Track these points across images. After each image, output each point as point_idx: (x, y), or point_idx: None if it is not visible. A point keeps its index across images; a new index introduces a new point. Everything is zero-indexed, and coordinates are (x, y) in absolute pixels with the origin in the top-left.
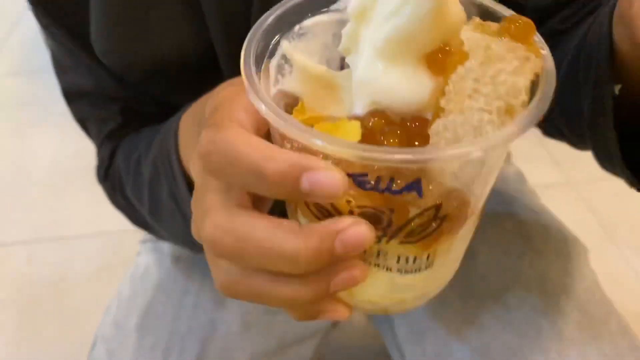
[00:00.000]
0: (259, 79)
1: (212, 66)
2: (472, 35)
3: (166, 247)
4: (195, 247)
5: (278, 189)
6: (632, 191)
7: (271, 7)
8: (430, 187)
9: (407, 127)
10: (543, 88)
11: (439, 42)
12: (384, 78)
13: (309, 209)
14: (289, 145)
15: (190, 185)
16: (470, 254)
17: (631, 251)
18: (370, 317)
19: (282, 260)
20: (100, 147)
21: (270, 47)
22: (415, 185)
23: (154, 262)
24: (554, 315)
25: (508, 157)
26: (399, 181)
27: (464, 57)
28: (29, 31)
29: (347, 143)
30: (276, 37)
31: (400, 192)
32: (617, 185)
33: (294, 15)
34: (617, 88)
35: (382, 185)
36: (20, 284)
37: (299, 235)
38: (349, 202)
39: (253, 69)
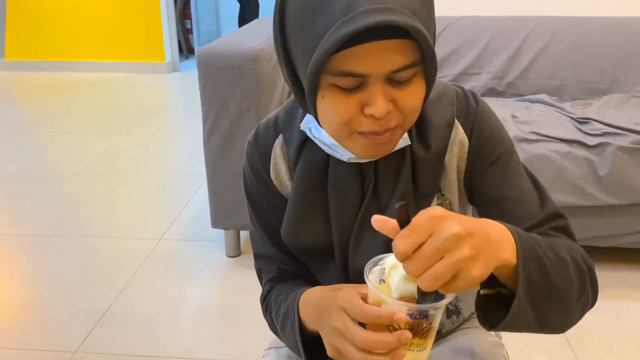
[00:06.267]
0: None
1: (330, 254)
2: None
3: (283, 351)
4: (296, 351)
5: (386, 322)
6: None
7: (365, 227)
8: (428, 318)
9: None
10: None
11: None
12: (404, 286)
13: (388, 327)
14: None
15: (300, 325)
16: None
17: None
18: None
19: (385, 345)
20: (264, 286)
21: (367, 272)
22: (425, 316)
23: (275, 358)
24: None
25: (499, 338)
26: (418, 315)
27: None
28: (197, 208)
29: (405, 304)
30: (368, 268)
31: (420, 319)
32: None
33: (372, 264)
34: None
35: (415, 316)
36: None
37: (392, 336)
38: (405, 324)
39: (366, 275)
